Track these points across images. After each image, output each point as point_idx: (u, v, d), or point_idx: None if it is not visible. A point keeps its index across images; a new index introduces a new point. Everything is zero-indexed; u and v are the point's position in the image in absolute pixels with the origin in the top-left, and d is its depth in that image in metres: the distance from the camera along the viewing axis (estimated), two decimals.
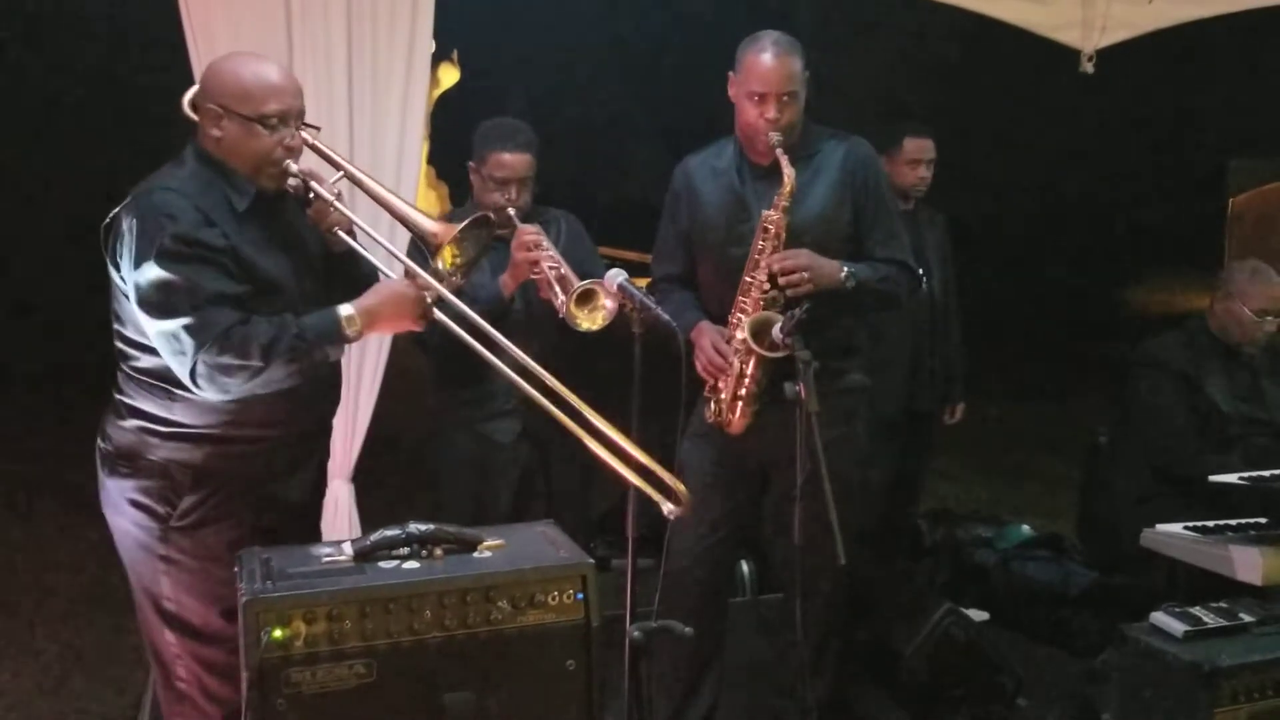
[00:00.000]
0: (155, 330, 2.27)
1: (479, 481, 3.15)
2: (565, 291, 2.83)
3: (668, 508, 2.21)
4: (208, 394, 2.28)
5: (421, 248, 2.52)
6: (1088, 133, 13.60)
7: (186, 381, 2.27)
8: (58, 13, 11.82)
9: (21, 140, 12.05)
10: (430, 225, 2.44)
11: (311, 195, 2.44)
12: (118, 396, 2.44)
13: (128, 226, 2.29)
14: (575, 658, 2.19)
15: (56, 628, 4.30)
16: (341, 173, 2.49)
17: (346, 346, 2.41)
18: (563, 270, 2.90)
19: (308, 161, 2.49)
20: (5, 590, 4.65)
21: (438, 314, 2.39)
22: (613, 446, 2.24)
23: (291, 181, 2.41)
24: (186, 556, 2.38)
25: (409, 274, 2.45)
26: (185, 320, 2.22)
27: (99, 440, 2.47)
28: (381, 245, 2.49)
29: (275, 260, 2.41)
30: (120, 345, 2.40)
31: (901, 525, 4.56)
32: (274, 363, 2.25)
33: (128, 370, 2.41)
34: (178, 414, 2.36)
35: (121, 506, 2.41)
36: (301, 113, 2.43)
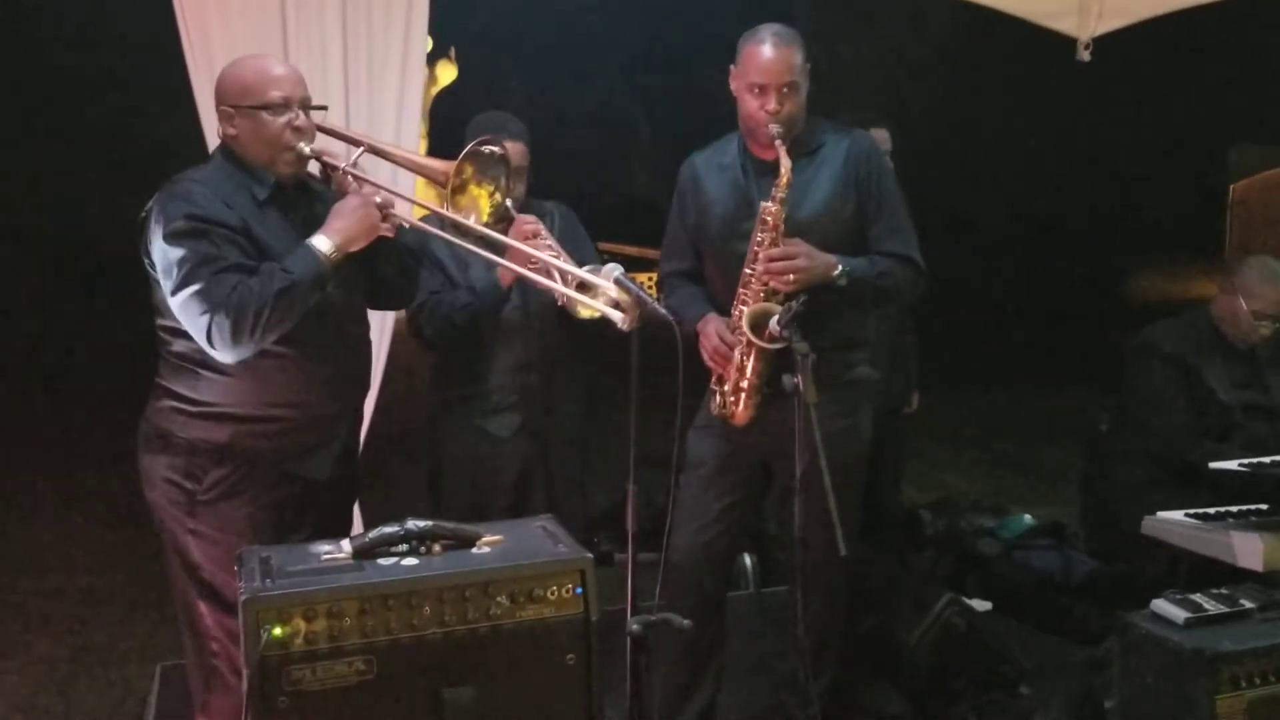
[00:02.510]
0: (177, 304, 2.41)
1: (478, 477, 3.15)
2: (565, 280, 2.80)
3: (617, 317, 2.25)
4: (226, 355, 2.41)
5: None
6: (1086, 120, 13.57)
7: (205, 346, 2.40)
8: (55, 12, 11.83)
9: (21, 140, 12.08)
10: (439, 165, 2.54)
11: (330, 170, 2.60)
12: (156, 380, 2.59)
13: (153, 215, 2.45)
14: (575, 652, 2.19)
15: (61, 629, 4.31)
16: (361, 148, 2.61)
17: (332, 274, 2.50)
18: (560, 253, 2.88)
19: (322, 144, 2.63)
20: (9, 591, 4.66)
21: (398, 215, 2.56)
22: (563, 274, 2.40)
23: (311, 164, 2.57)
24: (212, 529, 2.51)
25: (356, 187, 2.58)
26: (198, 286, 2.37)
27: (140, 422, 2.60)
28: (373, 183, 2.59)
29: (293, 246, 2.51)
30: (159, 333, 2.56)
31: (889, 515, 4.56)
32: (269, 301, 2.37)
33: (164, 355, 2.57)
34: (204, 394, 2.51)
35: (156, 483, 2.55)
36: (306, 99, 2.56)
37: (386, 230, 2.56)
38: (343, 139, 2.68)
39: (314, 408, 2.58)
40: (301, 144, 2.53)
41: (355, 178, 2.59)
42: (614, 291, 2.64)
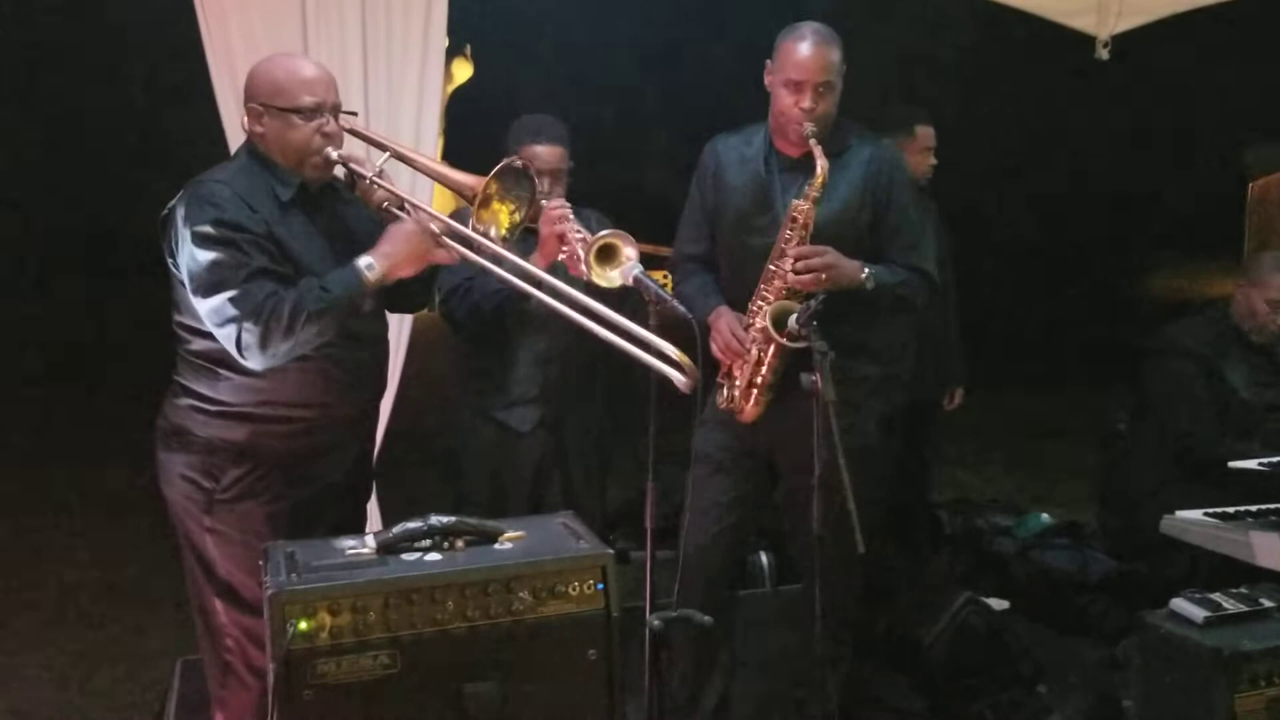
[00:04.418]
0: (205, 309, 2.40)
1: (497, 471, 3.16)
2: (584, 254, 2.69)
3: (679, 379, 2.24)
4: (255, 362, 2.41)
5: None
6: (1104, 119, 13.51)
7: (234, 352, 2.39)
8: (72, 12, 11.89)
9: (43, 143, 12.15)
10: (466, 179, 2.53)
11: (356, 177, 2.58)
12: (174, 378, 2.58)
13: (179, 216, 2.44)
14: (596, 647, 2.20)
15: (81, 623, 4.34)
16: (387, 153, 2.60)
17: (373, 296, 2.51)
18: (589, 238, 2.86)
19: (349, 148, 2.62)
20: (29, 586, 4.69)
21: (449, 242, 2.51)
22: (622, 331, 2.33)
23: (338, 170, 2.55)
24: (229, 529, 2.52)
25: (412, 212, 2.56)
26: (230, 294, 2.36)
27: (158, 419, 2.60)
28: (397, 194, 2.58)
29: (317, 249, 2.51)
30: (177, 330, 2.54)
31: (918, 514, 4.56)
32: (302, 316, 2.36)
33: (182, 353, 2.55)
34: (223, 393, 2.50)
35: (173, 480, 2.55)
36: (337, 105, 2.55)
37: (444, 258, 2.54)
38: (368, 142, 2.68)
39: (332, 409, 2.57)
40: (329, 150, 2.51)
41: (412, 204, 2.55)
42: (634, 251, 2.59)
